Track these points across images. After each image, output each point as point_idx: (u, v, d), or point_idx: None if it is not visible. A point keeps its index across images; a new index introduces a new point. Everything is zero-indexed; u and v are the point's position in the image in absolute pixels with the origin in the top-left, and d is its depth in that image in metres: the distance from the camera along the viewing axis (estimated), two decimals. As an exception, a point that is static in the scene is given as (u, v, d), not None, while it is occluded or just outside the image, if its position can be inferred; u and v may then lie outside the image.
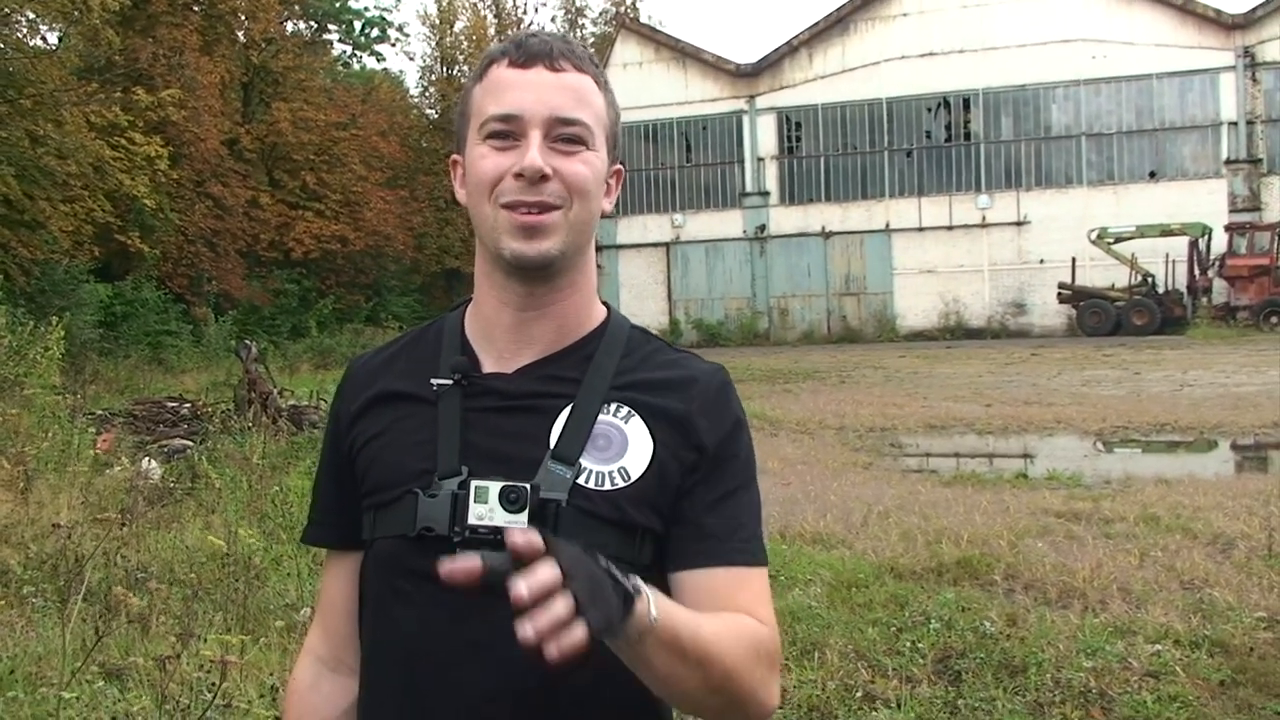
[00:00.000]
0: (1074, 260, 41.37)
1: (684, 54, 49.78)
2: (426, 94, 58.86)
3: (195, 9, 39.18)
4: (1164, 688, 5.66)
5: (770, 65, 48.12)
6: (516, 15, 65.24)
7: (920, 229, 45.68)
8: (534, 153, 1.64)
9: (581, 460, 1.66)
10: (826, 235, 47.00)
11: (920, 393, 22.26)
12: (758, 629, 1.65)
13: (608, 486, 1.66)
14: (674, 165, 50.16)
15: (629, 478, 1.67)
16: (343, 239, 43.52)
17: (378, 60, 56.96)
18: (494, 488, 1.60)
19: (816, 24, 47.42)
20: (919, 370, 28.30)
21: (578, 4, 68.01)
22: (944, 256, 45.25)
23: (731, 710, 1.61)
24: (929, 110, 46.47)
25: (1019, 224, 44.41)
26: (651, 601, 1.43)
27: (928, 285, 45.42)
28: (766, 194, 48.05)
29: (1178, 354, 29.47)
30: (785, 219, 47.82)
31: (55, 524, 6.20)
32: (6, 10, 25.22)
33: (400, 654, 1.71)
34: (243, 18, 42.94)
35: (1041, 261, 43.53)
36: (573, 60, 1.70)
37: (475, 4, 61.56)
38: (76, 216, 27.26)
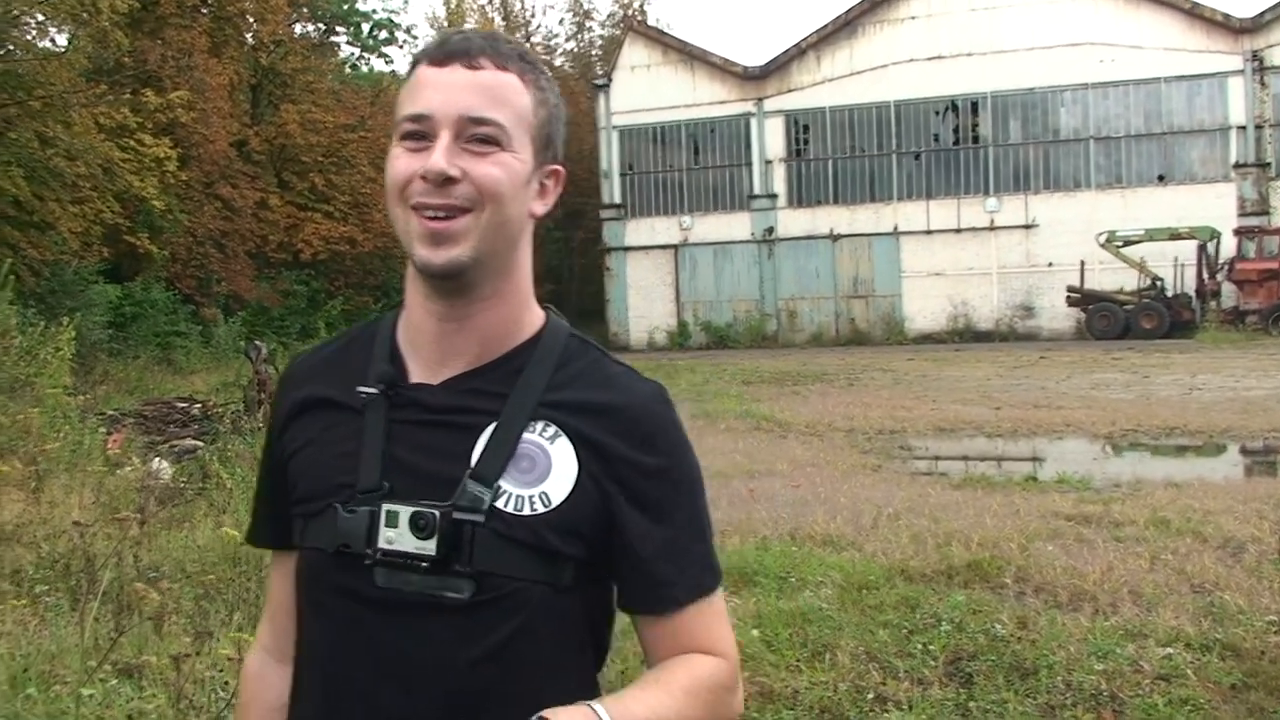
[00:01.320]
0: (1083, 263, 41.33)
1: (692, 56, 49.78)
2: (435, 96, 58.82)
3: (204, 11, 39.23)
4: (1175, 691, 5.66)
5: (778, 68, 48.11)
6: (524, 17, 65.34)
7: (928, 232, 45.65)
8: (437, 154, 1.59)
9: (501, 482, 1.62)
10: (834, 238, 46.96)
11: (929, 395, 22.26)
12: (715, 674, 1.70)
13: (526, 512, 1.62)
14: (682, 167, 50.14)
15: (549, 503, 1.63)
16: (351, 240, 43.51)
17: (386, 62, 56.73)
18: (404, 513, 1.59)
19: (824, 27, 47.41)
20: (927, 373, 28.28)
21: (585, 6, 68.14)
22: (952, 259, 45.22)
23: None
24: (937, 113, 46.43)
25: (1027, 227, 44.37)
26: None
27: (936, 288, 45.39)
28: (774, 196, 48.05)
29: (1186, 358, 29.43)
30: (793, 221, 47.81)
31: (76, 521, 6.22)
32: (15, 12, 25.27)
33: (319, 665, 1.69)
34: (251, 20, 42.96)
35: (1050, 265, 43.48)
36: (494, 58, 1.64)
37: (483, 6, 61.80)
38: (86, 218, 27.31)
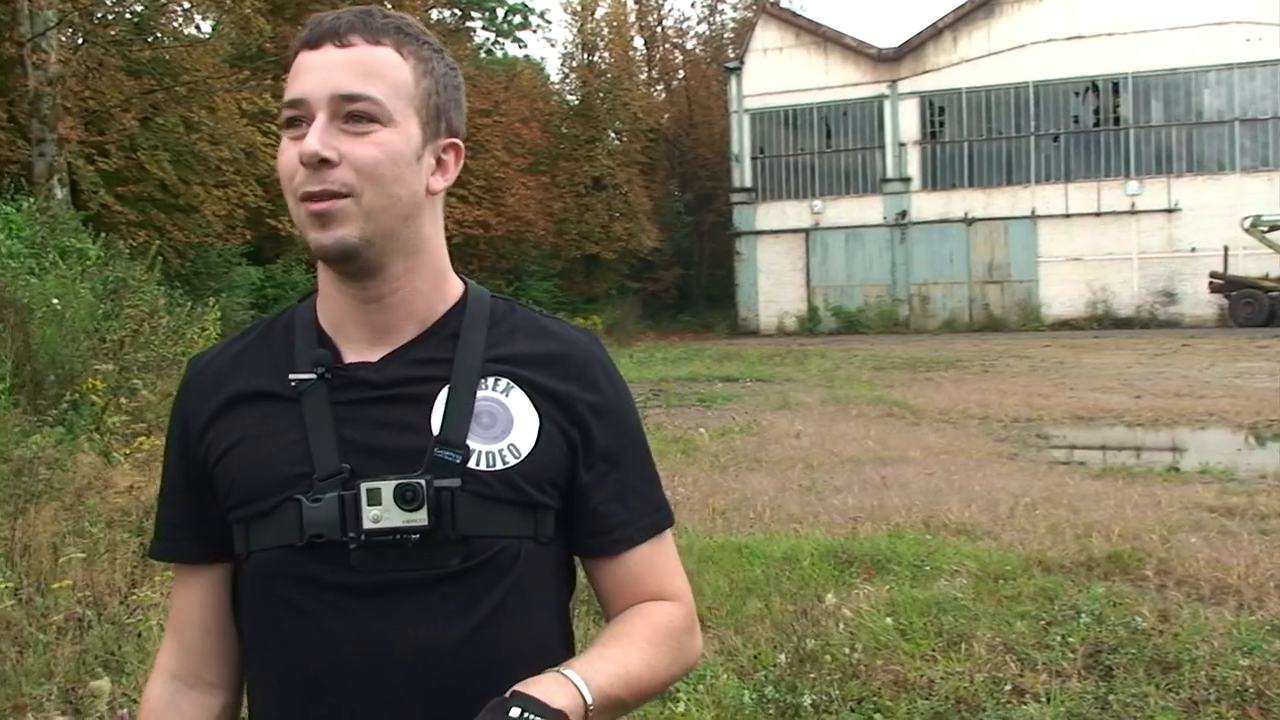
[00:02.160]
0: (1226, 249, 40.36)
1: (825, 38, 49.45)
2: (567, 80, 59.22)
3: (343, -3, 39.91)
4: (1326, 689, 5.50)
5: (913, 49, 47.58)
6: (656, 1, 65.29)
7: (1067, 216, 44.86)
8: (310, 136, 1.53)
9: (468, 441, 1.59)
10: (969, 222, 46.36)
11: (1067, 383, 21.89)
12: (673, 620, 1.71)
13: (499, 466, 1.60)
14: (814, 151, 49.90)
15: (519, 454, 1.61)
16: (485, 224, 43.95)
17: (520, 47, 57.18)
18: (387, 487, 1.54)
19: (961, 6, 46.77)
20: (1065, 360, 27.82)
21: (718, -11, 67.87)
22: (1091, 244, 44.38)
23: (672, 684, 1.71)
24: (1076, 94, 45.57)
25: (1169, 211, 43.37)
26: (582, 688, 1.49)
27: (1074, 273, 44.60)
28: (908, 180, 47.57)
29: (1336, 346, 28.54)
30: (927, 205, 47.30)
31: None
32: (163, 0, 25.90)
33: (301, 667, 1.60)
34: (389, 5, 43.60)
35: (1193, 250, 42.49)
36: (366, 34, 1.59)
37: (616, -10, 61.81)
38: (229, 201, 27.82)
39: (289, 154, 1.57)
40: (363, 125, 1.56)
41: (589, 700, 1.48)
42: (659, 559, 1.74)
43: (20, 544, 7.32)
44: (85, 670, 5.52)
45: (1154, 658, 5.94)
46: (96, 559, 7.20)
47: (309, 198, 1.55)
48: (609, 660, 1.57)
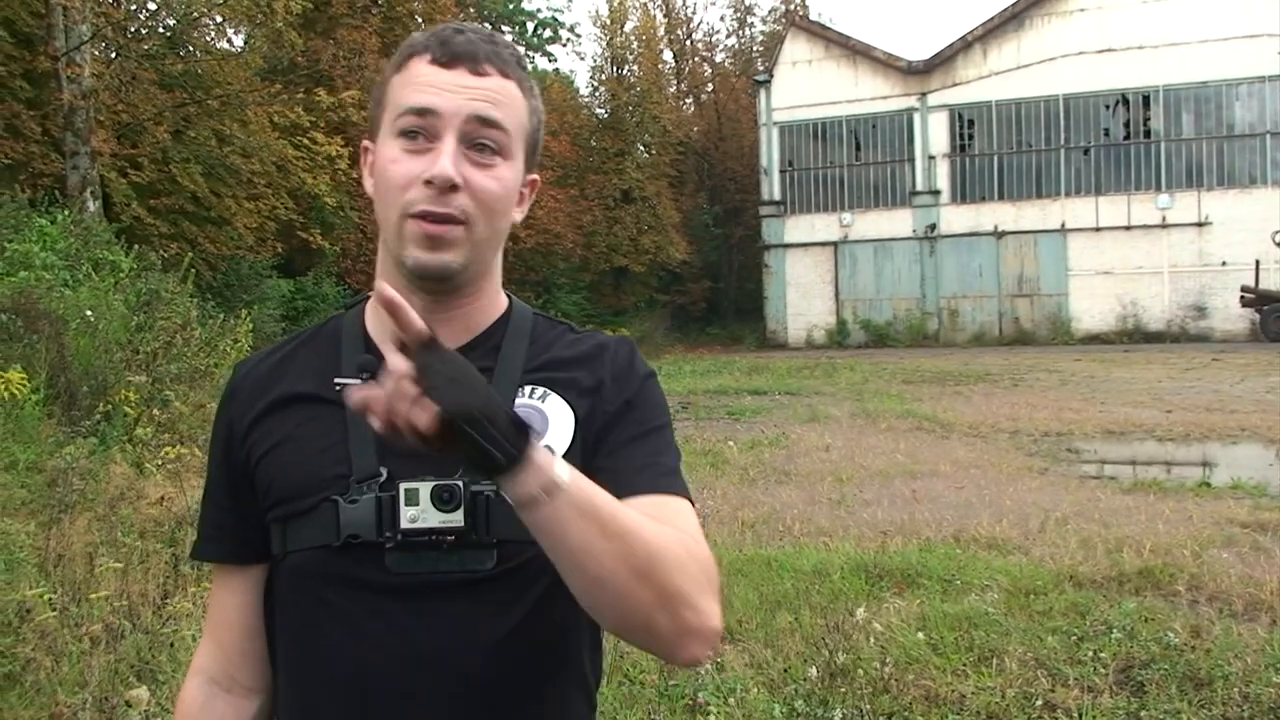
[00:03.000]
0: (1257, 263, 40.14)
1: (854, 51, 49.42)
2: (596, 94, 59.31)
3: (374, 12, 39.99)
4: (1360, 707, 5.47)
5: (943, 62, 47.51)
6: (686, 14, 65.39)
7: (1097, 229, 44.68)
8: (445, 160, 1.55)
9: None
10: (999, 235, 46.23)
11: (1097, 397, 21.78)
12: (689, 535, 1.54)
13: None
14: (843, 164, 49.84)
15: (555, 454, 1.55)
16: (514, 236, 43.66)
17: (549, 60, 57.48)
18: (425, 488, 1.54)
19: (991, 19, 46.69)
20: (1095, 374, 27.68)
21: (747, 2, 67.96)
22: (1122, 258, 44.20)
23: (667, 609, 1.44)
24: (1107, 107, 45.40)
25: (1200, 225, 43.16)
26: (562, 462, 1.40)
27: (1104, 287, 44.42)
28: (937, 193, 47.46)
29: (1369, 361, 28.33)
30: (956, 218, 47.18)
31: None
32: (196, 14, 26.11)
33: (337, 667, 1.61)
34: (420, 20, 43.71)
35: (1223, 264, 42.26)
36: (498, 64, 1.62)
37: (645, 4, 61.93)
38: (260, 213, 27.97)
39: (405, 166, 1.59)
40: (487, 156, 1.60)
41: (565, 477, 1.39)
42: (677, 510, 1.61)
43: (54, 554, 7.39)
44: (119, 680, 5.55)
45: (1186, 674, 5.91)
46: (130, 569, 7.25)
47: (428, 217, 1.57)
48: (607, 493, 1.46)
